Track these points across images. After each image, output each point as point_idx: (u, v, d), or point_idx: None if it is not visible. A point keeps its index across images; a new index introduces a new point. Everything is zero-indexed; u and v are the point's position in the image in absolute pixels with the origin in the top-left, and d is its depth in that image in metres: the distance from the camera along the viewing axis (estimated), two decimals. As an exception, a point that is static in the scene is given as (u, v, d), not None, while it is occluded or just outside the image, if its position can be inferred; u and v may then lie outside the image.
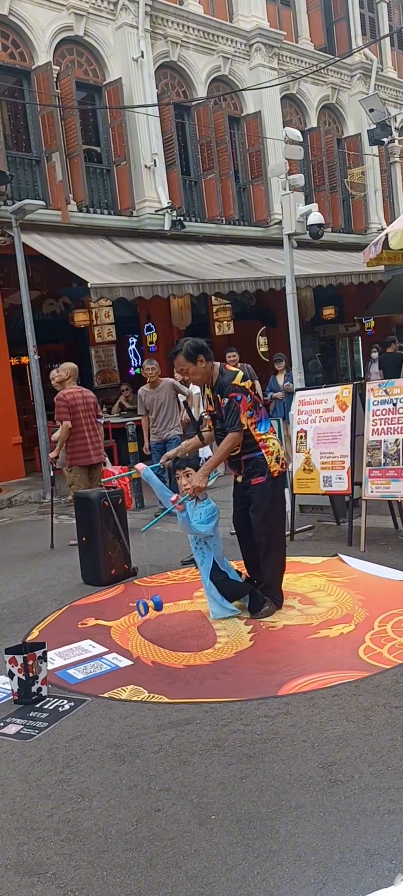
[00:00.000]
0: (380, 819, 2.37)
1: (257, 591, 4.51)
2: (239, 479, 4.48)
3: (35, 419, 11.19)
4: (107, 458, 7.49)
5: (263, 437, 4.42)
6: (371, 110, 12.20)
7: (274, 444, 4.48)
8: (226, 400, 4.31)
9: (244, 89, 15.72)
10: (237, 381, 4.34)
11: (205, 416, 4.81)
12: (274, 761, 2.80)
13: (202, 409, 8.79)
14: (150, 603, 4.36)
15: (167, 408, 8.22)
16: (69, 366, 7.45)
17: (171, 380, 8.41)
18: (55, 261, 11.49)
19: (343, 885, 2.09)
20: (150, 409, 8.28)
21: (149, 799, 2.66)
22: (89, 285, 10.73)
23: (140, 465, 4.70)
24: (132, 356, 16.22)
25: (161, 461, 5.04)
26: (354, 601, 4.57)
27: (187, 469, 4.48)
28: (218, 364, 4.48)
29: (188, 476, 4.44)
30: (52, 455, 7.50)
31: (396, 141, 17.61)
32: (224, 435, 4.37)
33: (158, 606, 4.43)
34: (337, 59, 17.63)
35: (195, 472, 4.40)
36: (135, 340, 16.02)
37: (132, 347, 16.16)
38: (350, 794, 2.52)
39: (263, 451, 4.39)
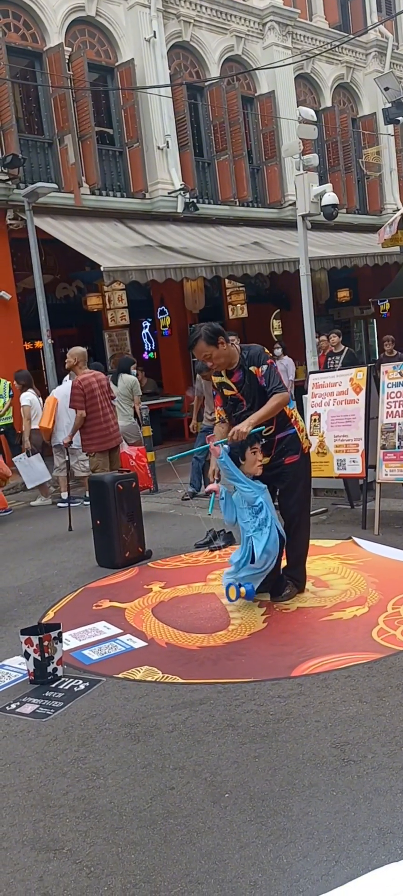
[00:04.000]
0: (393, 798, 2.37)
1: (280, 574, 4.49)
2: (266, 459, 4.26)
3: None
4: (123, 440, 7.52)
5: (293, 412, 4.35)
6: (387, 88, 11.99)
7: (301, 419, 4.45)
8: (265, 367, 4.21)
9: (257, 69, 15.55)
10: (266, 350, 4.33)
11: (215, 415, 4.68)
12: (287, 741, 2.81)
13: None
14: (242, 591, 4.24)
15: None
16: (76, 351, 7.45)
17: None
18: (68, 244, 11.50)
19: (355, 863, 2.10)
20: (200, 393, 8.25)
21: (164, 777, 2.69)
22: (102, 269, 10.73)
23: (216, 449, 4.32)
24: (145, 340, 16.21)
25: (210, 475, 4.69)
26: (368, 584, 4.56)
27: (255, 446, 4.22)
28: (235, 345, 4.42)
29: (255, 453, 4.19)
30: (66, 440, 7.60)
31: (412, 119, 17.29)
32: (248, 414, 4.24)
33: (249, 595, 4.28)
34: (352, 36, 17.38)
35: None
36: (148, 324, 16.00)
37: (145, 331, 16.15)
38: (363, 773, 2.53)
39: (295, 427, 4.32)
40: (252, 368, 4.24)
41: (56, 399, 8.76)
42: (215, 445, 4.17)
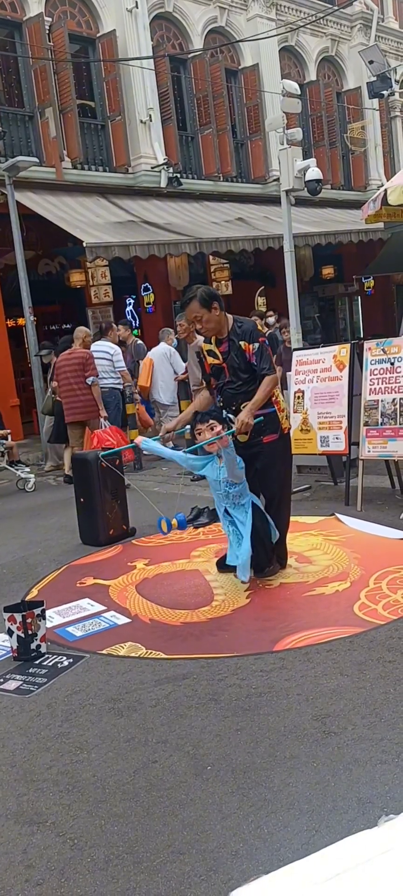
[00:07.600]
0: (372, 769, 2.42)
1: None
2: (243, 438, 4.23)
3: (32, 381, 11.14)
4: (102, 420, 7.46)
5: (276, 392, 4.33)
6: (371, 62, 11.94)
7: (282, 399, 4.44)
8: (257, 345, 4.19)
9: (241, 40, 15.35)
10: (259, 327, 4.29)
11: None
12: (269, 714, 2.84)
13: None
14: (174, 521, 4.22)
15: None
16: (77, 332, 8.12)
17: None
18: (49, 219, 11.34)
19: (334, 833, 2.14)
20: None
21: (147, 751, 2.71)
22: (84, 244, 10.60)
23: (138, 438, 4.59)
24: (129, 317, 16.08)
25: (161, 434, 4.70)
26: (350, 559, 4.61)
27: (211, 422, 4.19)
28: (230, 315, 4.37)
29: (212, 429, 4.14)
30: (102, 413, 8.08)
31: (396, 94, 17.20)
32: (233, 388, 4.25)
33: (182, 525, 4.29)
34: (337, 8, 17.21)
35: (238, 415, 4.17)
36: (132, 301, 15.87)
37: (129, 308, 16.02)
38: (343, 745, 2.57)
39: (275, 406, 4.30)
40: (242, 343, 4.23)
41: (152, 360, 9.43)
42: (223, 438, 4.05)
